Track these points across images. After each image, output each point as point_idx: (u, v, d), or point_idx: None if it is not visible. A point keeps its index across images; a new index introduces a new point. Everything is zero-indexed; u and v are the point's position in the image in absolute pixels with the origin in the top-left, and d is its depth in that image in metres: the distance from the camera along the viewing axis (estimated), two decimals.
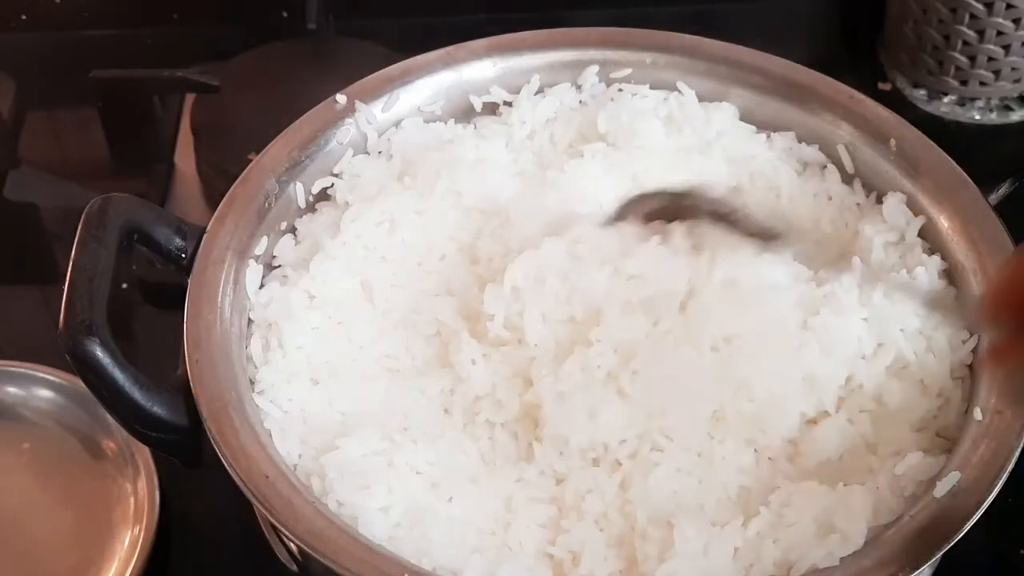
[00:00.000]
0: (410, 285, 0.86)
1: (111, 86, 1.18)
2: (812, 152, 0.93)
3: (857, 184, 0.91)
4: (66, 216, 0.90)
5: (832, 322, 0.79)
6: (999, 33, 1.16)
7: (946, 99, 1.22)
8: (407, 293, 0.85)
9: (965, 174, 0.87)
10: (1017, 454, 0.73)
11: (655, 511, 0.74)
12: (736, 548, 0.72)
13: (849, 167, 0.92)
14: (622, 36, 0.97)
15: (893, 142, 0.89)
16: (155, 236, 0.83)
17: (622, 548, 0.74)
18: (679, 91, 0.95)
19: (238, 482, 0.73)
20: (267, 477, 0.73)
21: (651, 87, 0.95)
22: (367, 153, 0.93)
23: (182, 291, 0.81)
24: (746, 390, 0.77)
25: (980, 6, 1.14)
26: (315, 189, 0.90)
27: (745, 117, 0.95)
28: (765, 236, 0.80)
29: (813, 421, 0.78)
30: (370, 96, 0.93)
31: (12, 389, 0.97)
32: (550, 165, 0.92)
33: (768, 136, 0.94)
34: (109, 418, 0.86)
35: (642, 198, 0.84)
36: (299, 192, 0.89)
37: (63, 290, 0.77)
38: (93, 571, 0.89)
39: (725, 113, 0.94)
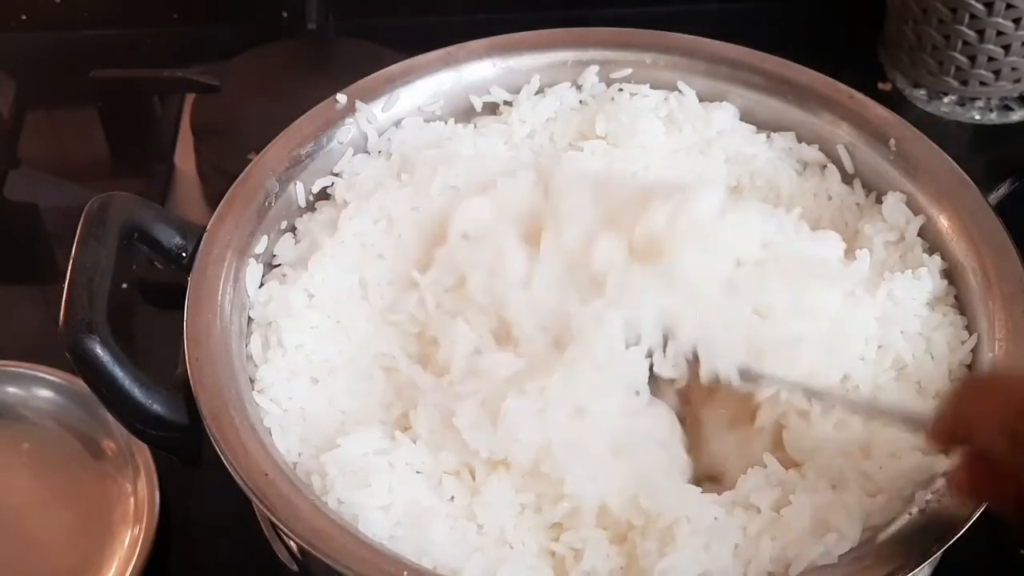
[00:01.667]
0: (407, 283, 0.86)
1: (111, 86, 1.18)
2: (812, 152, 0.93)
3: (857, 184, 0.91)
4: (66, 216, 0.90)
5: (846, 314, 0.80)
6: (999, 33, 1.16)
7: (946, 99, 1.22)
8: (403, 291, 0.85)
9: (965, 174, 0.87)
10: None
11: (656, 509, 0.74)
12: (736, 544, 0.73)
13: (849, 167, 0.92)
14: (622, 36, 0.97)
15: (893, 142, 0.89)
16: (155, 235, 0.83)
17: (624, 545, 0.74)
18: (679, 91, 0.95)
19: (238, 480, 0.73)
20: (267, 475, 0.73)
21: (651, 87, 0.95)
22: (367, 152, 0.93)
23: (182, 291, 0.81)
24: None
25: (980, 6, 1.14)
26: (315, 188, 0.90)
27: (745, 117, 0.95)
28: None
29: (807, 414, 0.78)
30: (370, 96, 0.93)
31: (12, 389, 0.97)
32: None
33: (768, 136, 0.94)
34: (109, 418, 0.86)
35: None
36: (299, 191, 0.89)
37: (63, 289, 0.77)
38: (93, 571, 0.89)
39: (725, 113, 0.94)
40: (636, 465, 0.76)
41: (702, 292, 0.78)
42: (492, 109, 0.96)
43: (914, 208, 0.87)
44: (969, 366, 0.81)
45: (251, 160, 0.89)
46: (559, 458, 0.74)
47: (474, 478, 0.76)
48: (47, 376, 0.97)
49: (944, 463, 0.74)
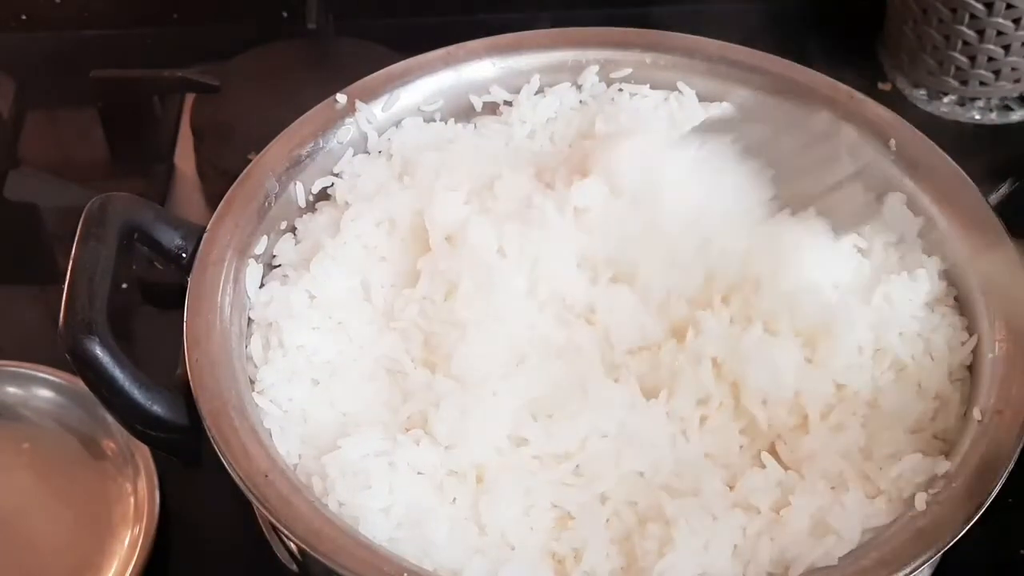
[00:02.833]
0: (409, 285, 0.86)
1: (111, 86, 1.18)
2: None
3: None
4: (66, 216, 0.90)
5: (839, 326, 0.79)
6: (999, 33, 1.16)
7: (946, 99, 1.22)
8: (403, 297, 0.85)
9: (965, 174, 0.87)
10: (1017, 454, 0.73)
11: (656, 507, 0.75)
12: (735, 545, 0.73)
13: None
14: (622, 36, 0.97)
15: (893, 142, 0.89)
16: (155, 235, 0.83)
17: (624, 544, 0.74)
18: (679, 91, 0.95)
19: (238, 481, 0.73)
20: (267, 476, 0.73)
21: (651, 87, 0.95)
22: (367, 153, 0.93)
23: (182, 291, 0.81)
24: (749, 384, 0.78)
25: (980, 6, 1.14)
26: (315, 188, 0.90)
27: None
28: None
29: (802, 426, 0.78)
30: (370, 96, 0.93)
31: (12, 389, 0.97)
32: None
33: None
34: (109, 418, 0.86)
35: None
36: (299, 191, 0.89)
37: (63, 290, 0.77)
38: (93, 571, 0.89)
39: (725, 113, 0.94)
40: (678, 449, 0.76)
41: None
42: (492, 109, 0.96)
43: (914, 208, 0.87)
44: (970, 367, 0.81)
45: (251, 160, 0.89)
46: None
47: (480, 480, 0.76)
48: (47, 376, 0.97)
49: (944, 464, 0.74)
